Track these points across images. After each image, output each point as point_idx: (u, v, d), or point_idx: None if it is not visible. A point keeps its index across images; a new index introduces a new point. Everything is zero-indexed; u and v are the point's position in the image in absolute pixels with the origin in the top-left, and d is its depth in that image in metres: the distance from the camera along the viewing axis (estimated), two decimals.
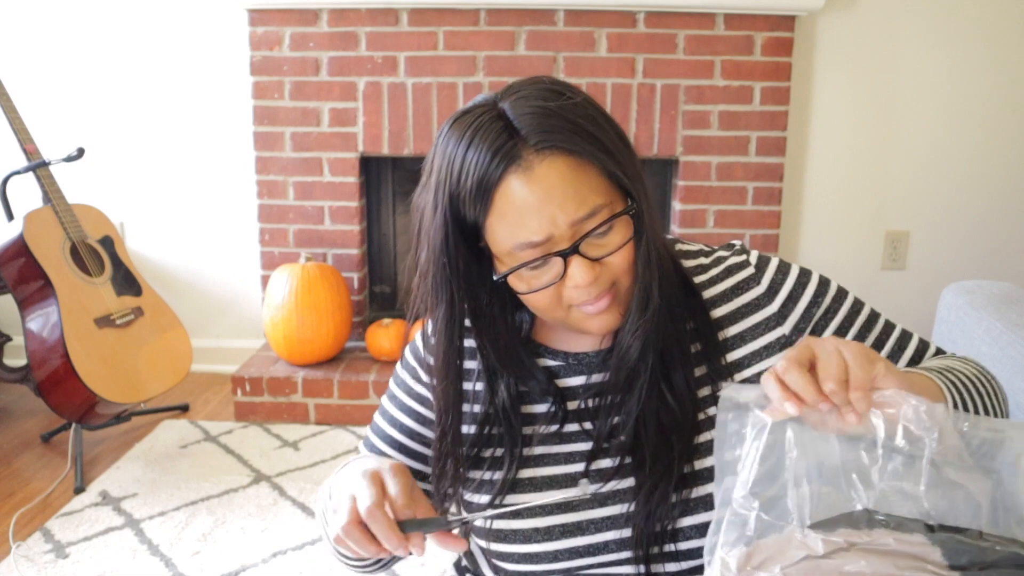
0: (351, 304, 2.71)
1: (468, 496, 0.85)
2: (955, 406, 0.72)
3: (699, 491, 0.77)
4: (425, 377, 0.89)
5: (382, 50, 2.62)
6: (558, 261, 0.74)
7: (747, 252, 0.87)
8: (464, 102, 2.64)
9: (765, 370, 0.69)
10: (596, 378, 0.84)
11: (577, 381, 0.85)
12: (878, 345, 0.85)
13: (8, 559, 1.81)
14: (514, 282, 0.77)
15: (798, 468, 0.63)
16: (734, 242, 0.90)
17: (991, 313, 1.78)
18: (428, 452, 0.89)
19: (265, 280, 2.77)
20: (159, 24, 2.77)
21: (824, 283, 0.85)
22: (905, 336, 0.86)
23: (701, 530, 0.77)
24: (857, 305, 0.86)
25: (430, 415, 0.89)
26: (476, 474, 0.84)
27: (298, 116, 2.68)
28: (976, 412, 0.74)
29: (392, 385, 0.94)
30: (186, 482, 2.16)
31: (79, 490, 2.12)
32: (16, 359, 2.56)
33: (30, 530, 1.94)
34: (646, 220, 0.76)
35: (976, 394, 0.76)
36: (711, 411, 0.79)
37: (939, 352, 0.88)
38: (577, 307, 0.77)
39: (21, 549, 1.85)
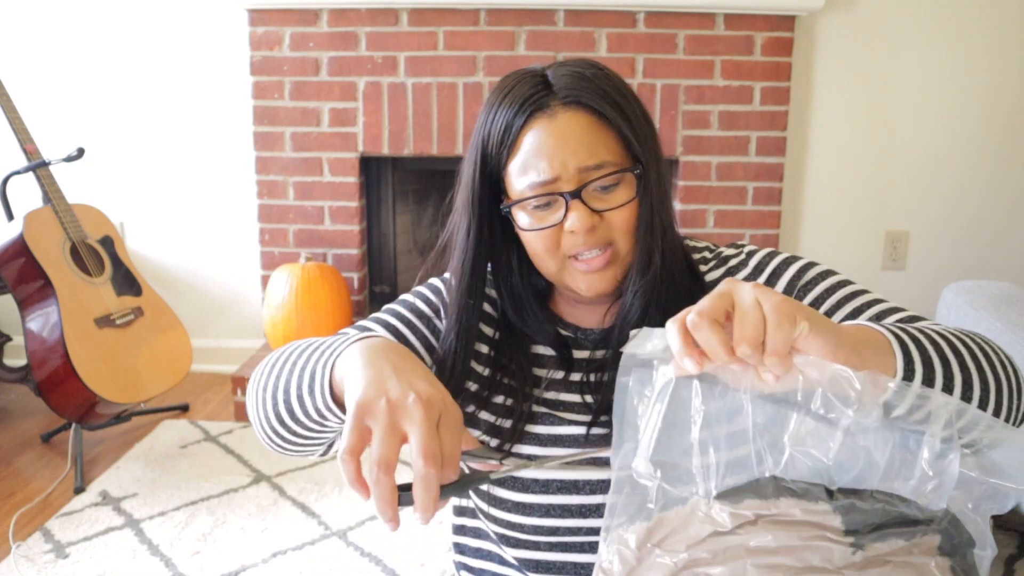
0: (351, 304, 2.71)
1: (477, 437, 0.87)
2: (907, 361, 0.62)
3: None
4: (435, 300, 0.91)
5: (382, 50, 2.62)
6: (561, 205, 0.79)
7: (743, 249, 0.90)
8: (464, 102, 2.66)
9: None
10: (598, 353, 0.88)
11: (582, 354, 0.89)
12: (855, 314, 0.79)
13: (8, 559, 1.81)
14: (519, 216, 0.82)
15: (704, 432, 0.58)
16: (740, 242, 0.92)
17: (991, 313, 1.78)
18: (433, 341, 0.89)
19: (265, 280, 2.77)
20: (159, 24, 2.77)
21: (813, 263, 0.86)
22: (894, 310, 0.79)
23: None
24: (844, 282, 0.83)
25: (429, 336, 0.88)
26: (485, 415, 0.87)
27: (298, 116, 2.68)
28: (948, 371, 0.64)
29: (408, 294, 0.93)
30: (186, 482, 2.16)
31: (79, 490, 2.12)
32: (16, 359, 2.56)
33: (30, 530, 1.94)
34: (652, 187, 0.81)
35: (950, 351, 0.65)
36: None
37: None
38: (572, 261, 0.81)
39: (21, 549, 1.85)
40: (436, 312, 0.90)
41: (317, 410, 0.71)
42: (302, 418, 0.74)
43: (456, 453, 0.60)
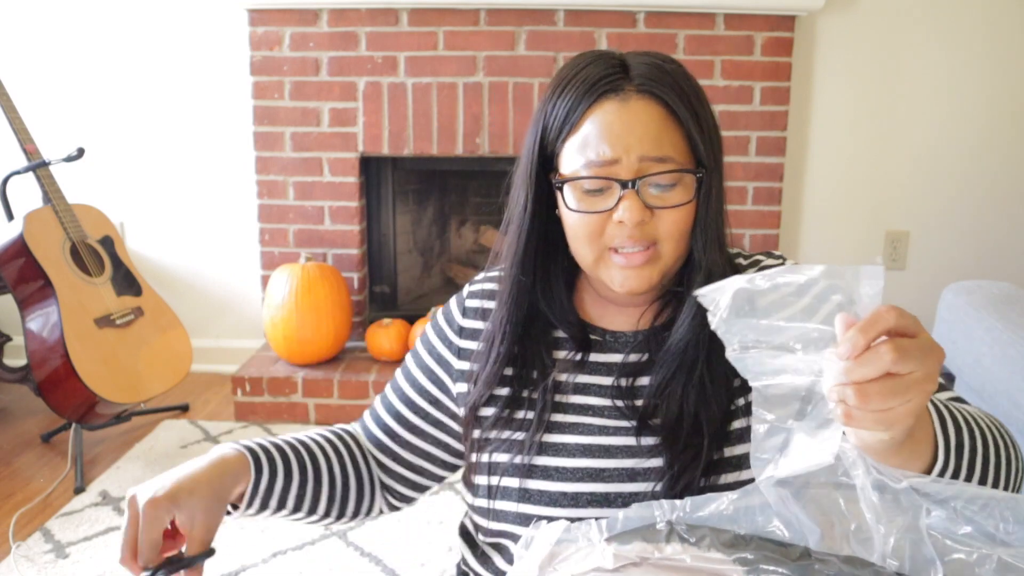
0: (351, 304, 2.71)
1: (496, 457, 0.85)
2: (945, 442, 0.65)
3: (727, 478, 0.78)
4: (455, 337, 0.92)
5: (382, 50, 2.62)
6: (614, 193, 0.77)
7: (783, 259, 0.89)
8: (464, 102, 2.66)
9: None
10: (633, 357, 0.85)
11: (612, 358, 0.86)
12: None
13: (8, 559, 1.81)
14: (568, 195, 0.80)
15: None
16: (773, 251, 0.92)
17: (991, 313, 1.78)
18: (434, 412, 0.94)
19: (265, 280, 2.77)
20: (159, 24, 2.77)
21: None
22: (941, 388, 0.83)
23: None
24: None
25: (445, 378, 0.92)
26: (506, 434, 0.85)
27: (298, 116, 2.68)
28: (973, 454, 0.68)
29: (417, 344, 0.97)
30: None
31: (79, 490, 2.12)
32: (16, 359, 2.56)
33: (30, 530, 1.94)
34: (713, 196, 0.79)
35: (979, 435, 0.69)
36: (739, 401, 0.80)
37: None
38: (611, 252, 0.79)
39: (21, 549, 1.85)
40: (443, 363, 0.93)
41: None
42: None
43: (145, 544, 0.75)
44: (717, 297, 0.59)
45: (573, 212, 0.80)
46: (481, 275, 0.95)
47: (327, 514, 0.92)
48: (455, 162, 2.78)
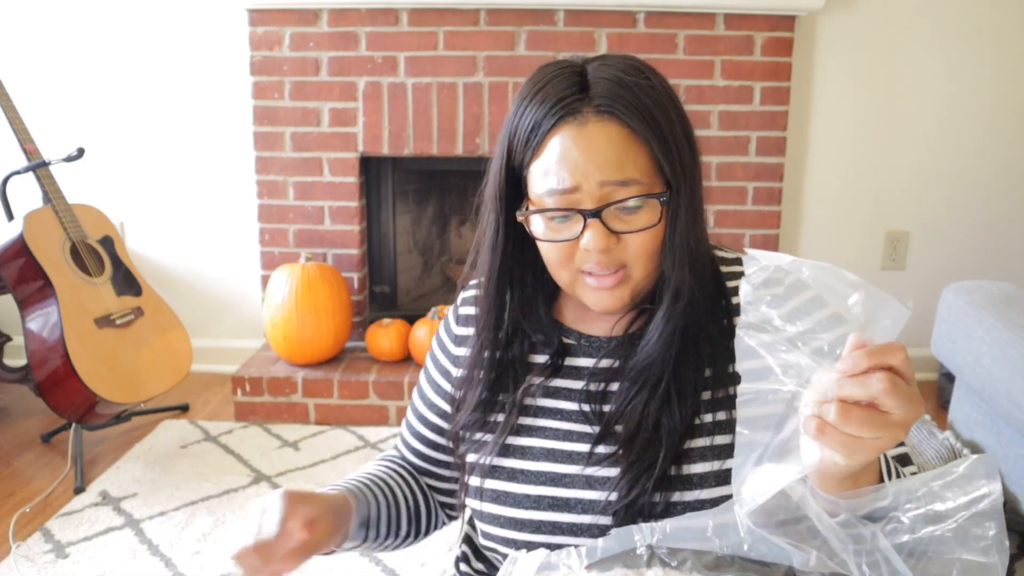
0: (351, 304, 2.71)
1: (469, 457, 0.87)
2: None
3: (685, 496, 0.76)
4: (452, 347, 0.94)
5: (382, 50, 2.62)
6: (579, 220, 0.76)
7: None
8: (464, 102, 2.66)
9: None
10: (604, 363, 0.85)
11: (585, 362, 0.86)
12: None
13: (8, 559, 1.81)
14: (536, 225, 0.80)
15: None
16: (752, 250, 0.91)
17: (991, 313, 1.78)
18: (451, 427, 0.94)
19: (265, 280, 2.77)
20: (159, 24, 2.77)
21: None
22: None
23: None
24: None
25: (451, 389, 0.93)
26: (478, 435, 0.87)
27: (298, 116, 2.68)
28: None
29: (426, 361, 0.99)
30: (186, 482, 2.16)
31: (79, 490, 2.12)
32: (16, 359, 2.55)
33: (30, 530, 1.94)
34: (681, 215, 0.77)
35: None
36: (707, 417, 0.79)
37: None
38: (584, 275, 0.79)
39: (21, 549, 1.85)
40: (447, 374, 0.94)
41: None
42: None
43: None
44: (765, 261, 0.61)
45: (540, 240, 0.80)
46: (474, 280, 0.95)
47: (408, 535, 0.96)
48: (455, 162, 2.78)
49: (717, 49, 2.60)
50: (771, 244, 2.74)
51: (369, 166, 2.81)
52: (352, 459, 2.30)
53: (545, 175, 0.76)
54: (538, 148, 0.76)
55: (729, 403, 0.79)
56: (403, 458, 1.01)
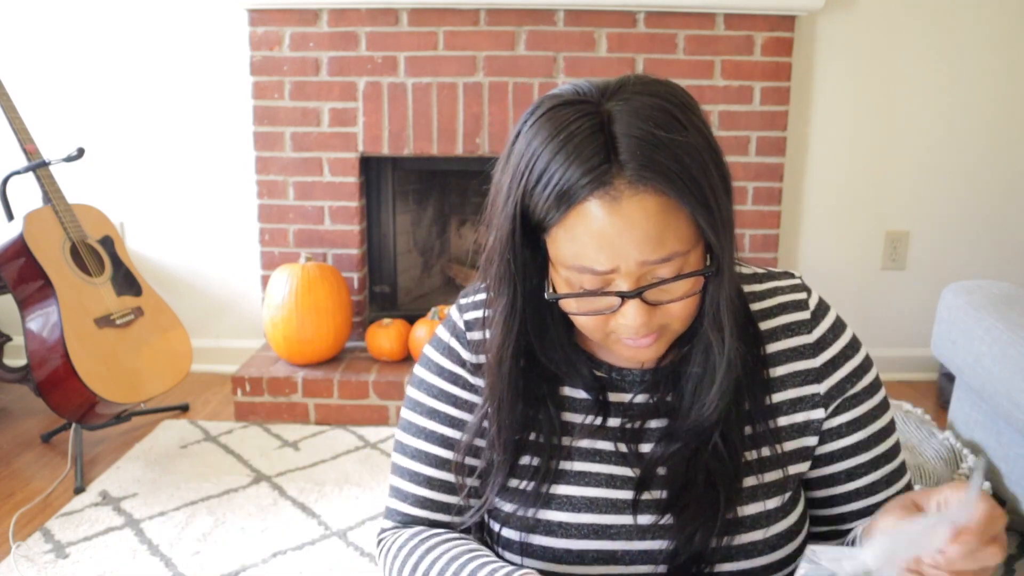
0: (351, 304, 2.71)
1: (499, 504, 0.81)
2: None
3: (741, 539, 0.75)
4: (468, 376, 0.85)
5: (382, 50, 2.62)
6: (615, 296, 0.70)
7: (807, 290, 0.83)
8: (464, 102, 2.66)
9: (797, 423, 0.75)
10: (640, 399, 0.80)
11: (620, 398, 0.81)
12: (877, 462, 0.83)
13: (8, 559, 1.81)
14: (565, 301, 0.73)
15: None
16: (792, 271, 0.85)
17: (991, 313, 1.78)
18: (472, 461, 0.84)
19: (265, 280, 2.77)
20: (159, 24, 2.77)
21: (867, 364, 0.83)
22: (903, 467, 0.85)
23: None
24: (883, 405, 0.84)
25: (461, 416, 0.84)
26: (512, 483, 0.80)
27: (298, 116, 2.68)
28: None
29: (415, 395, 0.88)
30: (186, 482, 2.16)
31: (79, 490, 2.12)
32: (16, 359, 2.56)
33: (30, 530, 1.94)
34: (724, 272, 0.71)
35: None
36: (750, 455, 0.77)
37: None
38: (618, 336, 0.74)
39: (21, 549, 1.85)
40: (456, 402, 0.86)
41: None
42: None
43: None
44: (825, 563, 0.64)
45: (571, 314, 0.74)
46: (467, 301, 0.87)
47: None
48: (455, 162, 2.79)
49: (717, 49, 2.60)
50: (771, 244, 2.75)
51: (369, 166, 2.81)
52: (352, 459, 2.30)
53: (578, 251, 0.68)
54: (565, 216, 0.67)
55: (771, 437, 0.78)
56: (409, 522, 0.88)
